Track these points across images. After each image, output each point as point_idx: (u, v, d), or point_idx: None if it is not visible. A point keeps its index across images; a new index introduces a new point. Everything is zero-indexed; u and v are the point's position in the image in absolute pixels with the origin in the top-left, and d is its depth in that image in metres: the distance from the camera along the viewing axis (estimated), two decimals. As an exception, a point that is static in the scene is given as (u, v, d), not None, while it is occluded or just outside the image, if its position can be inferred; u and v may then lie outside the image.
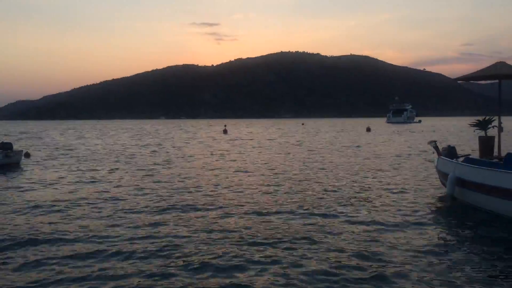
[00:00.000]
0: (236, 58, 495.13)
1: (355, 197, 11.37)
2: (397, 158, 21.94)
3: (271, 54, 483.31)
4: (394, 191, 12.28)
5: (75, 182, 14.67)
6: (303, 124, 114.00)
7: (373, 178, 14.97)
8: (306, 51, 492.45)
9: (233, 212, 9.67)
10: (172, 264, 6.39)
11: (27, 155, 23.84)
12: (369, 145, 32.84)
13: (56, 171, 17.77)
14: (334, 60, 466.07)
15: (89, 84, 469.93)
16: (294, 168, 17.91)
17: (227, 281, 5.77)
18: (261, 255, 6.74)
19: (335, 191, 12.31)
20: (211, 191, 12.54)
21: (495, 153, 12.90)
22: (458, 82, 14.50)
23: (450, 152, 12.00)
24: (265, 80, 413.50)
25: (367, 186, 13.24)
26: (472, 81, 14.29)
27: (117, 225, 8.62)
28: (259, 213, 9.52)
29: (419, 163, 19.59)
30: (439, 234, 7.92)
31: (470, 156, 11.55)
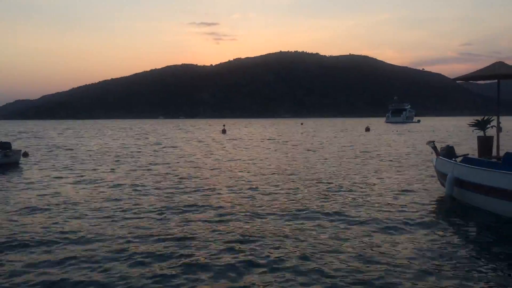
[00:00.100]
0: (235, 57, 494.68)
1: (354, 198, 11.36)
2: (396, 158, 21.95)
3: (270, 54, 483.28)
4: (393, 191, 12.27)
5: (73, 182, 14.65)
6: (302, 124, 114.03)
7: (371, 178, 14.96)
8: (305, 51, 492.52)
9: (232, 213, 9.64)
10: (172, 265, 6.35)
11: (26, 154, 23.82)
12: (368, 145, 32.84)
13: (55, 171, 17.74)
14: (333, 60, 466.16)
15: (88, 83, 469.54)
16: (293, 169, 17.91)
17: (227, 283, 5.75)
18: (260, 256, 6.71)
19: (334, 192, 12.30)
20: (210, 191, 12.50)
21: (494, 153, 12.93)
22: (457, 82, 14.51)
23: (449, 152, 12.00)
24: (264, 80, 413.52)
25: (366, 186, 13.23)
26: (471, 81, 14.31)
27: (116, 226, 8.58)
28: (258, 214, 9.49)
29: (418, 163, 19.60)
30: (438, 235, 7.91)
31: (469, 156, 11.55)
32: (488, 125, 14.00)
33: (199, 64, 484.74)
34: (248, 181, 14.36)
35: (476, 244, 7.43)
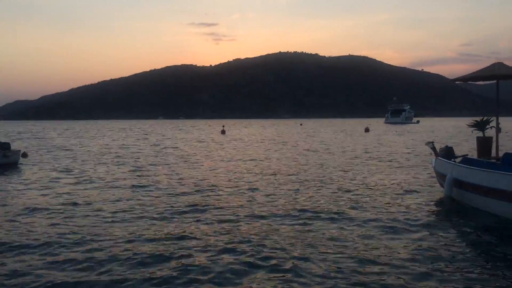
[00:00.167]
0: (234, 58, 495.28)
1: (353, 199, 11.36)
2: (395, 159, 21.94)
3: (269, 54, 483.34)
4: (392, 192, 12.27)
5: (73, 183, 14.63)
6: (301, 124, 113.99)
7: (371, 179, 14.96)
8: (304, 51, 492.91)
9: (232, 214, 9.60)
10: (172, 267, 6.32)
11: (25, 155, 23.79)
12: (367, 146, 32.84)
13: (54, 171, 17.73)
14: (333, 61, 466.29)
15: (87, 84, 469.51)
16: (292, 169, 17.90)
17: (228, 285, 5.73)
18: (259, 257, 6.67)
19: (334, 192, 12.29)
20: (210, 192, 12.48)
21: (493, 153, 12.93)
22: (456, 82, 14.52)
23: (448, 153, 12.00)
24: (263, 80, 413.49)
25: (365, 187, 13.23)
26: (470, 82, 14.31)
27: (116, 227, 8.55)
28: (258, 215, 9.46)
29: (417, 164, 19.60)
30: (437, 236, 7.91)
31: (468, 157, 11.55)
32: (487, 126, 14.00)
33: (198, 65, 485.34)
34: (247, 182, 14.36)
35: (476, 245, 7.43)
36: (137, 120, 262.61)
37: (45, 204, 10.86)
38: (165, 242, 7.47)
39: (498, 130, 13.35)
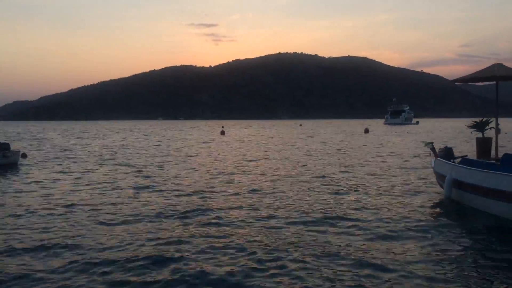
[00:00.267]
0: (234, 59, 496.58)
1: (352, 200, 11.34)
2: (395, 160, 21.95)
3: (269, 55, 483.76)
4: (392, 193, 12.26)
5: (72, 184, 14.58)
6: (300, 125, 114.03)
7: (370, 180, 14.95)
8: (304, 52, 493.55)
9: (231, 216, 9.51)
10: (172, 271, 6.23)
11: (24, 155, 23.79)
12: (367, 146, 32.87)
13: (53, 172, 17.72)
14: (332, 61, 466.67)
15: (87, 84, 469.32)
16: (292, 171, 17.90)
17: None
18: (256, 261, 6.60)
19: (333, 194, 12.26)
20: (209, 194, 12.42)
21: (492, 154, 12.95)
22: (456, 83, 14.55)
23: (447, 153, 12.01)
24: (263, 81, 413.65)
25: (365, 188, 13.23)
26: (470, 83, 14.34)
27: (116, 229, 8.48)
28: (257, 218, 9.35)
29: (416, 164, 19.59)
30: (436, 236, 7.90)
31: (467, 157, 11.57)
32: (487, 127, 14.04)
33: (198, 65, 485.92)
34: (247, 183, 14.34)
35: (475, 245, 7.42)
36: (137, 120, 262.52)
37: (44, 205, 10.83)
38: (165, 244, 7.39)
39: (498, 131, 13.38)
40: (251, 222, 8.91)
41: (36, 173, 17.59)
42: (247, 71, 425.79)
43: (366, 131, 61.80)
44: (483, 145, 13.45)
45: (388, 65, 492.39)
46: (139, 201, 11.34)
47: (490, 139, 13.51)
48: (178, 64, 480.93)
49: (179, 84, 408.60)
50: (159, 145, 35.61)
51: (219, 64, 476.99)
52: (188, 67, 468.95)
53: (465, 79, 13.38)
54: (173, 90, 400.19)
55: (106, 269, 6.27)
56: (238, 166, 19.38)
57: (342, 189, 12.85)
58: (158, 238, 7.77)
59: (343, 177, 15.44)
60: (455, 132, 57.35)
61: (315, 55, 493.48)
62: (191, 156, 25.14)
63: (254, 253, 6.94)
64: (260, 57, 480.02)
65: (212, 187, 13.44)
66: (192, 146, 34.83)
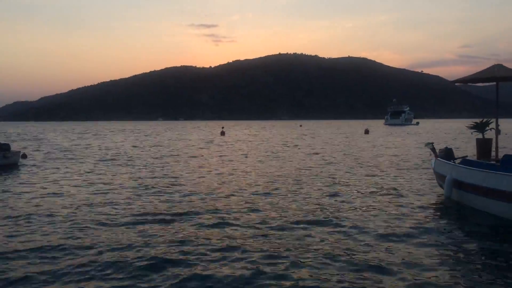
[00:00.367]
0: (234, 59, 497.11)
1: (352, 200, 11.34)
2: (395, 160, 21.95)
3: (269, 56, 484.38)
4: (392, 193, 12.25)
5: (72, 185, 14.53)
6: (301, 125, 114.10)
7: (370, 180, 14.95)
8: (304, 53, 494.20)
9: (232, 219, 9.33)
10: (171, 275, 6.14)
11: (24, 156, 23.80)
12: (367, 147, 32.87)
13: (53, 173, 17.71)
14: (332, 62, 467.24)
15: (87, 85, 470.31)
16: (293, 172, 17.89)
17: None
18: (257, 264, 6.51)
19: (333, 195, 12.25)
20: (209, 195, 12.34)
21: (493, 155, 12.96)
22: (456, 84, 14.56)
23: (447, 154, 12.02)
24: (263, 81, 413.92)
25: (365, 188, 13.23)
26: (470, 83, 14.35)
27: (116, 232, 8.39)
28: (256, 219, 9.27)
29: (416, 165, 19.59)
30: (436, 237, 7.90)
31: (467, 158, 11.57)
32: (487, 128, 14.04)
33: (198, 66, 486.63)
34: (247, 185, 14.31)
35: (475, 246, 7.42)
36: (137, 121, 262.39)
37: (44, 206, 10.82)
38: (166, 247, 7.30)
39: (498, 132, 13.38)
40: (252, 224, 8.83)
41: (37, 173, 17.58)
42: (247, 71, 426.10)
43: (366, 131, 61.79)
44: (483, 145, 13.46)
45: (388, 66, 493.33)
46: (140, 202, 11.27)
47: (490, 140, 13.52)
48: (178, 64, 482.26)
49: (179, 85, 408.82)
50: (159, 146, 35.59)
51: (219, 65, 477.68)
52: (188, 67, 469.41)
53: (465, 80, 13.39)
54: (173, 91, 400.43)
55: (106, 272, 6.20)
56: (239, 167, 19.38)
57: (342, 190, 12.83)
58: (159, 240, 7.70)
59: (343, 178, 15.43)
60: (455, 133, 57.34)
61: (315, 55, 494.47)
62: (191, 157, 25.13)
63: (256, 256, 6.85)
64: (260, 57, 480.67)
65: (213, 188, 13.41)
66: (193, 146, 34.81)
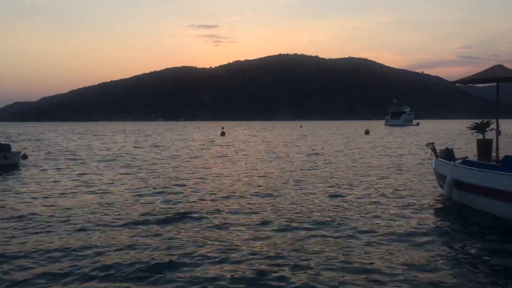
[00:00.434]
0: (234, 60, 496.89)
1: (353, 201, 11.33)
2: (395, 161, 21.94)
3: (269, 56, 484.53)
4: (392, 193, 12.24)
5: (72, 186, 14.48)
6: (301, 126, 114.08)
7: (370, 180, 14.94)
8: (304, 54, 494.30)
9: (233, 220, 9.27)
10: (172, 277, 6.09)
11: (24, 156, 23.81)
12: (368, 148, 32.86)
13: (53, 174, 17.70)
14: (332, 63, 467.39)
15: (87, 86, 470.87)
16: (293, 173, 17.88)
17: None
18: (254, 266, 6.45)
19: (333, 196, 12.23)
20: (211, 197, 12.28)
21: (493, 156, 12.95)
22: (456, 84, 14.55)
23: (448, 155, 12.02)
24: (263, 82, 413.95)
25: (365, 189, 13.22)
26: (470, 84, 14.33)
27: (116, 234, 8.36)
28: (258, 221, 9.17)
29: (417, 165, 19.58)
30: (437, 237, 7.90)
31: (468, 159, 11.57)
32: (487, 128, 14.02)
33: (198, 67, 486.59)
34: (248, 185, 14.31)
35: (476, 246, 7.41)
36: (137, 121, 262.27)
37: (45, 207, 10.81)
38: (167, 249, 7.21)
39: (498, 132, 13.37)
40: (253, 225, 8.76)
41: (37, 174, 17.58)
42: (247, 72, 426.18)
43: (367, 132, 61.80)
44: (484, 146, 13.44)
45: (389, 66, 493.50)
46: (141, 203, 11.23)
47: (490, 140, 13.50)
48: (179, 65, 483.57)
49: (179, 85, 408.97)
50: (160, 146, 35.59)
51: (220, 65, 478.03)
52: (189, 68, 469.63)
53: (465, 81, 13.38)
54: (173, 91, 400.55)
55: (107, 273, 6.15)
56: (239, 168, 19.38)
57: (342, 191, 12.82)
58: (161, 242, 7.62)
59: (343, 179, 15.42)
60: (455, 134, 57.33)
61: (316, 56, 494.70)
62: (192, 157, 25.13)
63: (257, 258, 6.79)
64: (260, 58, 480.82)
65: (214, 190, 13.38)
66: (193, 147, 34.81)
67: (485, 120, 14.89)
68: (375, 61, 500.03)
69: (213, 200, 11.49)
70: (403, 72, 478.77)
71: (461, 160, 11.43)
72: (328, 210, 10.16)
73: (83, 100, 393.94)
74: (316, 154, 26.57)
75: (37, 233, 8.34)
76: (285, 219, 9.27)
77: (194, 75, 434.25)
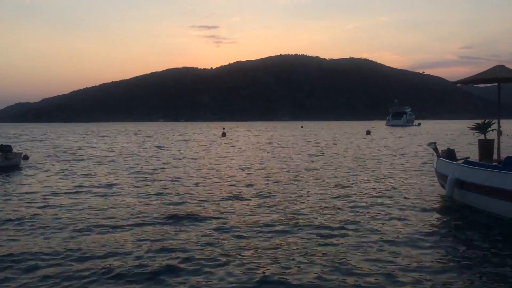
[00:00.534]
0: (235, 60, 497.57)
1: (353, 201, 11.33)
2: (396, 161, 21.93)
3: (270, 57, 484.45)
4: (393, 194, 12.25)
5: (73, 186, 14.47)
6: (302, 126, 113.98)
7: (371, 181, 14.94)
8: (305, 54, 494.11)
9: (231, 224, 9.07)
10: (174, 280, 6.04)
11: (26, 157, 23.82)
12: (369, 148, 32.84)
13: (55, 174, 17.72)
14: (333, 63, 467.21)
15: (88, 86, 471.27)
16: (293, 174, 17.87)
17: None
18: (256, 270, 6.36)
19: (334, 197, 12.23)
20: (212, 198, 12.24)
21: (494, 156, 12.90)
22: (457, 85, 14.51)
23: (449, 155, 12.01)
24: (264, 82, 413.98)
25: (366, 189, 13.22)
26: (471, 84, 14.29)
27: (116, 237, 8.28)
28: (261, 224, 9.05)
29: (417, 166, 19.57)
30: (438, 237, 7.90)
31: (469, 159, 11.55)
32: (489, 129, 13.95)
33: (199, 67, 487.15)
34: (249, 186, 14.28)
35: (477, 245, 7.41)
36: (138, 122, 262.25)
37: (45, 208, 10.82)
38: (168, 252, 7.13)
39: (499, 133, 13.31)
40: (257, 229, 8.59)
41: (38, 175, 17.59)
42: (248, 72, 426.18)
43: (368, 133, 61.76)
44: (485, 147, 13.38)
45: (389, 67, 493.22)
46: (142, 205, 11.12)
47: (492, 141, 13.44)
48: (179, 66, 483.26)
49: (180, 86, 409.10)
50: (161, 147, 35.58)
51: (220, 66, 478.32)
52: (189, 69, 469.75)
53: (467, 81, 13.33)
54: (174, 92, 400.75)
55: (108, 277, 6.09)
56: (240, 169, 19.36)
57: (343, 192, 12.82)
58: (163, 246, 7.50)
59: (345, 179, 15.42)
60: (456, 134, 57.27)
61: (316, 56, 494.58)
62: (193, 158, 25.12)
63: (259, 260, 6.75)
64: (261, 58, 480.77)
65: (215, 191, 13.36)
66: (194, 148, 34.80)
67: (486, 121, 14.82)
68: (376, 62, 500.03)
69: (214, 202, 11.45)
70: (404, 73, 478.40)
71: (462, 160, 11.41)
72: (330, 211, 10.14)
73: (84, 101, 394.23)
74: (319, 154, 26.56)
75: (38, 234, 8.32)
76: (287, 221, 9.20)
77: (195, 76, 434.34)
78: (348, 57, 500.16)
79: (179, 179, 15.73)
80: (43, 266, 6.55)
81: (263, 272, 6.23)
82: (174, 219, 9.50)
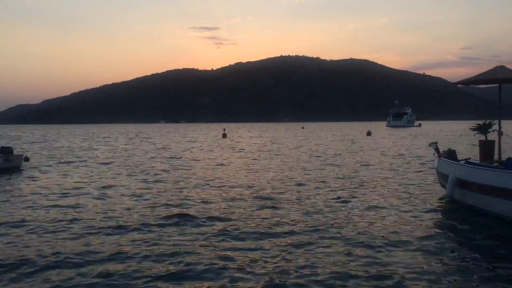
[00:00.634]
0: (235, 62, 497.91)
1: (354, 201, 11.32)
2: (396, 161, 21.90)
3: (270, 58, 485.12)
4: (394, 194, 12.23)
5: (73, 187, 14.49)
6: (302, 127, 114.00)
7: (372, 181, 14.92)
8: (305, 55, 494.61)
9: (233, 227, 9.00)
10: (174, 284, 5.99)
11: (26, 159, 23.81)
12: (369, 149, 32.82)
13: (56, 176, 17.71)
14: (334, 64, 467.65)
15: (89, 88, 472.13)
16: (294, 175, 17.85)
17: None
18: (259, 276, 6.28)
19: (335, 198, 12.19)
20: (212, 201, 12.21)
21: (495, 157, 12.89)
22: (458, 86, 14.50)
23: (450, 156, 12.00)
24: (264, 83, 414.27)
25: (366, 189, 13.20)
26: (472, 85, 14.28)
27: (118, 238, 8.29)
28: (263, 226, 9.00)
29: (418, 166, 19.56)
30: (439, 236, 7.89)
31: (470, 160, 11.54)
32: (490, 129, 13.94)
33: (200, 69, 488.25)
34: (249, 188, 14.25)
35: (478, 245, 7.39)
36: (138, 124, 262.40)
37: (46, 210, 10.81)
38: (169, 256, 7.04)
39: (500, 133, 13.30)
40: (259, 232, 8.50)
41: (39, 176, 17.57)
42: (249, 74, 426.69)
43: (369, 133, 61.76)
44: (486, 147, 13.38)
45: (390, 68, 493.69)
46: (143, 207, 11.06)
47: (493, 141, 13.43)
48: (180, 67, 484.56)
49: (181, 88, 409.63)
50: (161, 149, 35.59)
51: (221, 67, 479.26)
52: (190, 70, 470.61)
53: (467, 82, 13.32)
54: (174, 94, 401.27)
55: (108, 282, 6.03)
56: (241, 170, 19.35)
57: (344, 193, 12.80)
58: (163, 249, 7.45)
59: (346, 180, 15.40)
60: (457, 135, 57.24)
61: (317, 58, 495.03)
62: (193, 160, 25.12)
63: (260, 263, 6.70)
64: (262, 60, 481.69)
65: (215, 193, 13.33)
66: (194, 149, 34.79)
67: (487, 121, 14.81)
68: (376, 63, 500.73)
69: (215, 205, 11.38)
70: (405, 73, 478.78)
71: (463, 161, 11.41)
72: (331, 213, 10.11)
73: (84, 102, 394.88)
74: (319, 155, 26.55)
75: (38, 237, 8.29)
76: (289, 223, 9.15)
77: (195, 77, 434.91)
78: (349, 58, 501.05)
79: (180, 181, 15.72)
80: (42, 269, 6.52)
81: (266, 276, 6.17)
82: (175, 221, 9.44)
